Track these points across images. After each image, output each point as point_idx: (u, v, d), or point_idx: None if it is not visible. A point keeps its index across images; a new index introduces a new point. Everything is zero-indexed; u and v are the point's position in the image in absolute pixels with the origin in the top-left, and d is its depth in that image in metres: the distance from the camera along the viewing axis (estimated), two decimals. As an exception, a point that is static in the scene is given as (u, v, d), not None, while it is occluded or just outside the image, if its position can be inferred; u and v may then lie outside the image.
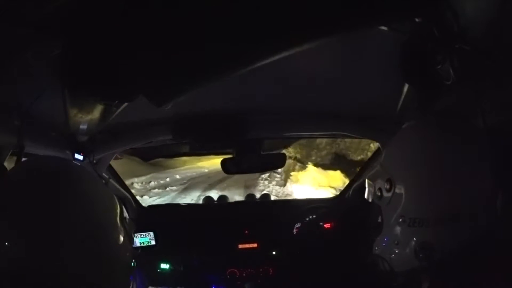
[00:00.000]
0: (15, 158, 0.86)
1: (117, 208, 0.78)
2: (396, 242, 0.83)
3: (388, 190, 0.84)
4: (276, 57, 0.63)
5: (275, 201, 2.67)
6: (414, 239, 0.78)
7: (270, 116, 1.42)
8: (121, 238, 0.74)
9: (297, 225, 2.03)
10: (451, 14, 0.65)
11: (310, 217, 2.02)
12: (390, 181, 0.84)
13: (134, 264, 0.81)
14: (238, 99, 1.26)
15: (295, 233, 2.01)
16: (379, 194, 0.88)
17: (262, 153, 1.65)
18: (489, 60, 0.75)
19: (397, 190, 0.82)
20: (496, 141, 0.77)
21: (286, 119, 1.46)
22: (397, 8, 0.61)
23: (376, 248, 0.90)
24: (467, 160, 0.79)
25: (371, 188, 0.93)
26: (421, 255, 0.77)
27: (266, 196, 2.60)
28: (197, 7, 0.60)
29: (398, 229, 0.82)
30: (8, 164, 0.85)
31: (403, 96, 1.06)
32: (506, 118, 0.87)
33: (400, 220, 0.80)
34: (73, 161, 1.18)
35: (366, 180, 0.98)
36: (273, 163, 1.75)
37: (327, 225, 1.99)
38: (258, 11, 0.60)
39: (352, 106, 1.33)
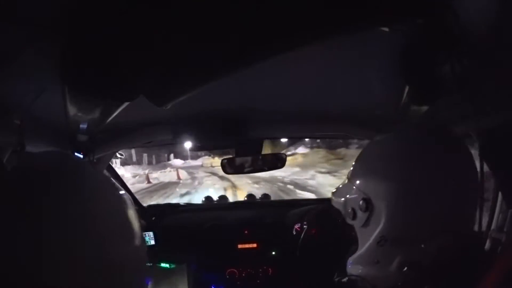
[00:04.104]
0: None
1: (130, 206, 0.72)
2: (376, 261, 0.76)
3: (364, 211, 0.76)
4: (276, 58, 0.63)
5: (275, 201, 2.67)
6: (397, 257, 0.72)
7: (270, 116, 1.42)
8: (136, 240, 0.69)
9: (297, 225, 2.03)
10: (452, 16, 0.65)
11: (310, 217, 2.02)
12: (366, 200, 0.75)
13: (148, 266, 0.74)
14: (238, 99, 1.26)
15: (294, 233, 2.01)
16: (352, 214, 0.79)
17: (262, 153, 1.65)
18: (490, 61, 0.75)
19: (376, 211, 0.74)
20: (495, 142, 0.76)
21: (286, 119, 1.46)
22: (397, 10, 0.61)
23: (354, 267, 0.82)
24: (452, 173, 0.72)
25: (341, 206, 0.84)
26: (406, 272, 0.71)
27: (266, 196, 2.60)
28: (198, 6, 0.60)
29: (377, 249, 0.74)
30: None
31: (403, 98, 1.06)
32: (506, 120, 0.87)
33: (380, 240, 0.73)
34: (75, 155, 1.15)
35: (333, 197, 0.88)
36: (273, 163, 1.75)
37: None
38: (259, 11, 0.60)
39: (352, 107, 1.33)
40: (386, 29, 0.72)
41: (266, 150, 1.69)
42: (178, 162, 23.04)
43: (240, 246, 1.99)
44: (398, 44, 0.79)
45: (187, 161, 23.27)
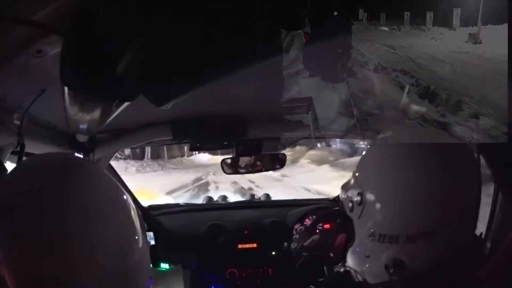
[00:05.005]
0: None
1: (133, 207, 0.72)
2: (367, 255, 0.80)
3: (358, 204, 0.81)
4: (276, 58, 0.63)
5: (275, 201, 2.68)
6: (384, 254, 0.75)
7: (270, 116, 1.42)
8: (140, 241, 0.68)
9: (297, 225, 2.03)
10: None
11: (310, 217, 2.02)
12: (361, 195, 0.80)
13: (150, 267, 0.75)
14: (238, 99, 1.26)
15: (294, 233, 2.01)
16: (351, 206, 0.84)
17: (262, 153, 1.65)
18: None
19: (367, 205, 0.79)
20: (493, 146, 0.77)
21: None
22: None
23: (349, 259, 0.87)
24: (444, 177, 0.75)
25: (344, 199, 0.89)
26: (391, 271, 0.74)
27: (266, 196, 2.60)
28: (198, 7, 0.60)
29: (368, 243, 0.79)
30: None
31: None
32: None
33: (370, 235, 0.78)
34: (79, 157, 1.15)
35: (340, 190, 0.93)
36: (273, 163, 1.75)
37: (326, 226, 1.99)
38: (259, 11, 0.60)
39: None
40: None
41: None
42: (203, 157, 13.71)
43: (240, 246, 1.99)
44: None
45: (215, 156, 12.50)
